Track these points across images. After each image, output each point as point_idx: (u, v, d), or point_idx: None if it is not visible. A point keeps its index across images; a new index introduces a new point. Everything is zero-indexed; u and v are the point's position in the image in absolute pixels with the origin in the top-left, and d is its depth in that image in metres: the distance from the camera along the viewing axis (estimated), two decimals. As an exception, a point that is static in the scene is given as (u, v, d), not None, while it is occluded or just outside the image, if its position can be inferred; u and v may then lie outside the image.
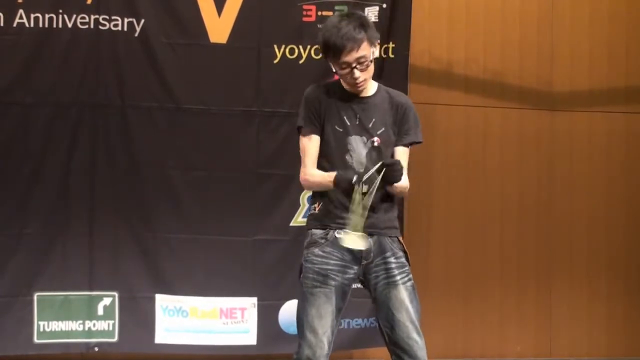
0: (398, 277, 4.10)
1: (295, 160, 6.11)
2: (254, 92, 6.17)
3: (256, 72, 6.18)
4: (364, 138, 4.10)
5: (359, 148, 4.10)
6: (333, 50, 4.00)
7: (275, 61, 6.19)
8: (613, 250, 7.20)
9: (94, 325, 6.00)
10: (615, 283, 7.18)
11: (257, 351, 6.20)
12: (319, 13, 6.23)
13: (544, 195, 7.11)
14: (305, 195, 6.18)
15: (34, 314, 5.91)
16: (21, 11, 5.84)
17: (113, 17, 5.96)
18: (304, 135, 4.17)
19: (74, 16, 5.91)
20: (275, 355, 6.27)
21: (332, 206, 4.09)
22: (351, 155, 4.10)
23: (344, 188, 4.00)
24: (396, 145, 4.19)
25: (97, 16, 5.94)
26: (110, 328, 6.02)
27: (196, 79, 6.10)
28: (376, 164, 3.98)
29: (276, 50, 6.19)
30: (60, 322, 5.96)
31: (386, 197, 4.14)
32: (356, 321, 6.27)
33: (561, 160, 7.13)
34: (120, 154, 6.01)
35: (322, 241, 4.08)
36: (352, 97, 4.16)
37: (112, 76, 5.99)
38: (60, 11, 5.89)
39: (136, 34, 6.00)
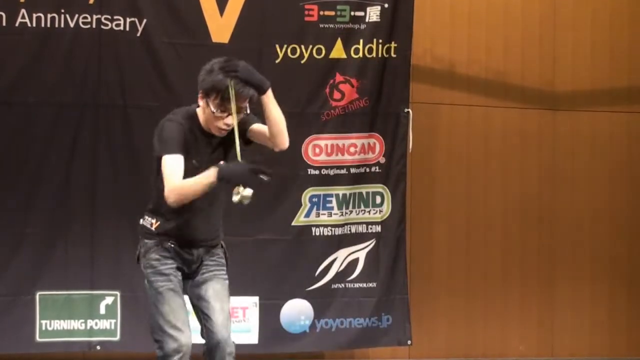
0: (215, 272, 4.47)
1: (298, 159, 6.18)
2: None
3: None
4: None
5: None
6: (222, 94, 4.21)
7: (277, 61, 6.20)
8: (615, 250, 7.19)
9: (96, 324, 6.02)
10: (618, 283, 7.17)
11: (259, 350, 6.22)
12: (321, 13, 6.23)
13: (546, 195, 7.11)
14: (307, 195, 6.19)
15: (36, 312, 5.93)
16: (23, 11, 5.85)
17: (115, 17, 5.97)
18: (175, 157, 4.22)
19: (76, 16, 5.92)
20: (276, 354, 6.28)
21: (167, 224, 4.37)
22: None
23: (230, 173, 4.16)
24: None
25: (99, 16, 5.94)
26: (112, 327, 6.03)
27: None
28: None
29: (278, 50, 6.19)
30: (62, 320, 5.97)
31: (218, 206, 4.48)
32: (358, 320, 6.27)
33: (563, 160, 7.13)
34: (122, 153, 6.02)
35: (156, 247, 4.40)
36: (207, 133, 4.34)
37: (114, 76, 6.00)
38: (63, 11, 5.90)
39: (138, 34, 6.01)
